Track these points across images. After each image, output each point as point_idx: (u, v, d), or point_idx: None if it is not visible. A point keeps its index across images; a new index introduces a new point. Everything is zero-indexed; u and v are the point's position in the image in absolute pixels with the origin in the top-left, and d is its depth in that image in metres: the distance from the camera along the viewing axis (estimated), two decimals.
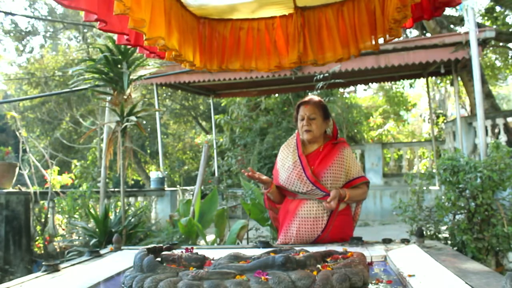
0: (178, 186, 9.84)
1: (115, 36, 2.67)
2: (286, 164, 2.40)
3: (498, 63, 14.16)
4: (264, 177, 2.39)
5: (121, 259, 1.91)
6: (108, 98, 4.61)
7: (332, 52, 2.39)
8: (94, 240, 4.09)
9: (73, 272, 1.68)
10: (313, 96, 2.50)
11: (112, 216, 4.61)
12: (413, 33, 12.50)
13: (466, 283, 1.28)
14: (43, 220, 5.86)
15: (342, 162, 2.38)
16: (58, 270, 1.68)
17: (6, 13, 15.03)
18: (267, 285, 1.29)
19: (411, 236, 3.48)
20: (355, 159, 2.51)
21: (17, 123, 7.80)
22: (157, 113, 9.79)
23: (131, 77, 4.39)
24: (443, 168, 3.54)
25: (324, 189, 2.29)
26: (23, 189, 5.80)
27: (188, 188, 9.48)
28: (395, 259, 1.74)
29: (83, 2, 1.68)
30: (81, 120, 14.21)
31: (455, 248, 3.33)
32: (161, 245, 1.91)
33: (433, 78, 12.63)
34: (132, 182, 15.32)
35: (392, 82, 14.76)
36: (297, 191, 2.34)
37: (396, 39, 2.44)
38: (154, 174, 8.05)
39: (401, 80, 13.35)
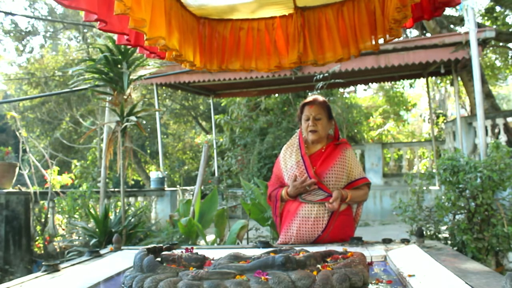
0: (178, 186, 9.85)
1: (115, 36, 2.67)
2: (289, 163, 2.40)
3: (498, 63, 14.16)
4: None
5: (121, 259, 1.91)
6: (108, 98, 4.61)
7: (332, 52, 2.39)
8: (94, 240, 4.09)
9: (73, 272, 1.67)
10: (317, 96, 2.50)
11: (112, 216, 4.61)
12: (413, 33, 12.50)
13: (466, 283, 1.28)
14: (43, 220, 5.86)
15: (344, 163, 2.39)
16: (58, 270, 1.68)
17: (6, 13, 15.03)
18: (267, 285, 1.29)
19: (411, 236, 3.48)
20: (357, 160, 2.51)
21: (17, 123, 7.80)
22: (157, 113, 9.79)
23: (131, 77, 4.39)
24: (443, 168, 3.54)
25: (326, 189, 2.30)
26: (23, 189, 5.80)
27: (188, 188, 9.48)
28: (395, 259, 1.74)
29: (83, 2, 1.68)
30: (81, 120, 14.21)
31: (455, 248, 3.33)
32: (161, 245, 1.91)
33: (433, 78, 12.63)
34: (132, 182, 15.31)
35: (392, 82, 14.76)
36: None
37: (396, 39, 2.44)
38: (154, 174, 8.05)
39: (401, 80, 13.35)
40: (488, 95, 9.57)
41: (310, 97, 2.49)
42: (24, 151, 6.46)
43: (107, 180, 5.99)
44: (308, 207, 2.32)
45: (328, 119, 2.42)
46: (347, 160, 2.40)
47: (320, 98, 2.47)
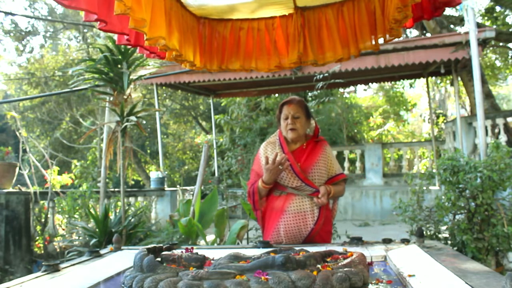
0: (178, 186, 9.84)
1: (115, 36, 2.67)
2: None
3: (498, 63, 14.16)
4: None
5: (121, 259, 1.91)
6: (108, 98, 4.61)
7: (332, 52, 2.40)
8: (94, 240, 4.09)
9: (73, 272, 1.67)
10: (295, 96, 2.55)
11: (112, 216, 4.61)
12: (413, 33, 12.50)
13: (466, 283, 1.28)
14: (43, 220, 5.86)
15: (326, 159, 2.45)
16: (58, 270, 1.68)
17: (6, 13, 15.02)
18: (267, 285, 1.29)
19: (411, 236, 3.48)
20: (335, 157, 2.57)
21: (17, 123, 7.79)
22: (157, 113, 9.79)
23: (131, 77, 4.39)
24: (443, 168, 3.54)
25: (312, 185, 2.32)
26: (23, 189, 5.80)
27: (188, 188, 9.48)
28: (395, 259, 1.74)
29: (83, 2, 1.68)
30: (81, 120, 14.20)
31: (455, 248, 3.33)
32: (161, 245, 1.91)
33: (433, 78, 12.63)
34: (132, 182, 15.30)
35: (392, 82, 14.75)
36: (286, 184, 2.35)
37: (396, 39, 2.44)
38: (154, 174, 8.04)
39: (401, 80, 13.35)
40: (488, 95, 9.56)
41: (288, 97, 2.53)
42: (24, 151, 6.46)
43: (107, 180, 5.99)
44: (297, 202, 2.34)
45: (306, 118, 2.46)
46: (327, 156, 2.46)
47: (298, 97, 2.52)
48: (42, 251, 5.70)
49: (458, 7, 6.46)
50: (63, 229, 6.08)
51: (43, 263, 1.71)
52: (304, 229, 2.32)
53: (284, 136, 2.46)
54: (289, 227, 2.33)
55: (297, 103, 2.44)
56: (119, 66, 4.36)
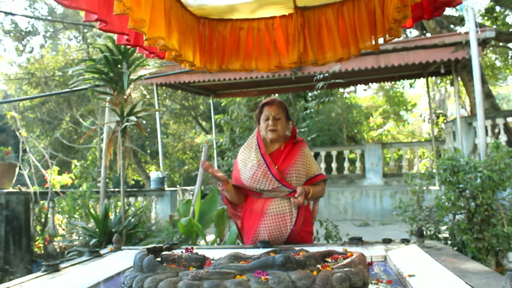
0: (178, 186, 9.84)
1: (115, 36, 2.67)
2: (249, 163, 2.40)
3: (498, 63, 14.16)
4: (220, 174, 2.37)
5: (121, 259, 1.91)
6: (108, 98, 4.61)
7: (332, 52, 2.40)
8: (94, 240, 4.09)
9: (73, 272, 1.67)
10: (275, 97, 2.55)
11: (112, 216, 4.62)
12: (413, 33, 12.50)
13: (466, 283, 1.28)
14: (43, 220, 5.86)
15: (304, 160, 2.44)
16: (58, 270, 1.68)
17: (6, 13, 15.02)
18: (267, 285, 1.30)
19: (411, 236, 3.48)
20: (313, 158, 2.56)
21: (17, 123, 7.79)
22: (157, 113, 9.79)
23: (131, 77, 4.39)
24: (443, 168, 3.54)
25: (289, 186, 2.32)
26: (23, 189, 5.81)
27: (188, 188, 9.47)
28: (395, 259, 1.74)
29: (83, 2, 1.68)
30: (81, 120, 14.20)
31: (455, 248, 3.33)
32: (161, 245, 1.91)
33: (433, 78, 12.63)
34: (132, 182, 15.29)
35: (392, 82, 14.75)
36: (262, 189, 2.34)
37: (396, 39, 2.45)
38: (154, 174, 8.04)
39: (401, 80, 13.35)
40: (488, 95, 9.56)
41: (268, 98, 2.52)
42: (24, 151, 6.46)
43: (107, 180, 5.99)
44: (275, 204, 2.34)
45: (287, 120, 2.46)
46: (306, 157, 2.45)
47: (279, 99, 2.51)
48: (42, 251, 5.71)
49: (458, 7, 6.46)
50: (63, 229, 6.09)
51: (43, 263, 1.71)
52: (284, 230, 2.33)
53: (263, 136, 2.45)
54: (270, 228, 2.33)
55: (278, 104, 2.43)
56: (119, 66, 4.36)
